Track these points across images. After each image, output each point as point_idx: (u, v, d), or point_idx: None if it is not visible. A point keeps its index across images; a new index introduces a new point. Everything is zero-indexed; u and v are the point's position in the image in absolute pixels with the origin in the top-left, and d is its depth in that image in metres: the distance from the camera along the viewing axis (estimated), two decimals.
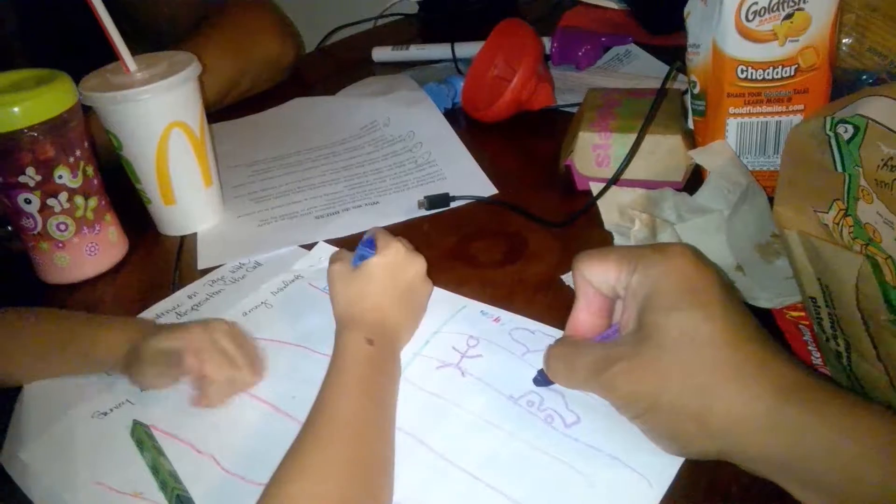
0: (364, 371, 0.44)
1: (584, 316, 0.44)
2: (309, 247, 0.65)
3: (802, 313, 0.50)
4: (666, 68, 0.90)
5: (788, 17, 0.56)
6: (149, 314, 0.59)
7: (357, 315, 0.48)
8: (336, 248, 0.63)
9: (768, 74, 0.58)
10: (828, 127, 0.45)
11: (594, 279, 0.42)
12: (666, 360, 0.36)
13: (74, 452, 0.46)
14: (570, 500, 0.40)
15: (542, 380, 0.46)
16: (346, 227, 0.67)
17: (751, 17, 0.57)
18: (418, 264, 0.52)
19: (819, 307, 0.43)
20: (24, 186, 0.59)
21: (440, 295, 0.56)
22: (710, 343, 0.36)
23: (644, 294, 0.38)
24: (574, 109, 0.80)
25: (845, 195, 0.45)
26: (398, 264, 0.51)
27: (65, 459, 0.46)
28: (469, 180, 0.73)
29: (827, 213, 0.44)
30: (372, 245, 0.52)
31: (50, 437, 0.48)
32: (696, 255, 0.39)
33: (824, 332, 0.44)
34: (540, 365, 0.46)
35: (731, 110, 0.60)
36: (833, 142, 0.45)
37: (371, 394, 0.44)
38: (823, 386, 0.35)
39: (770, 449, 0.34)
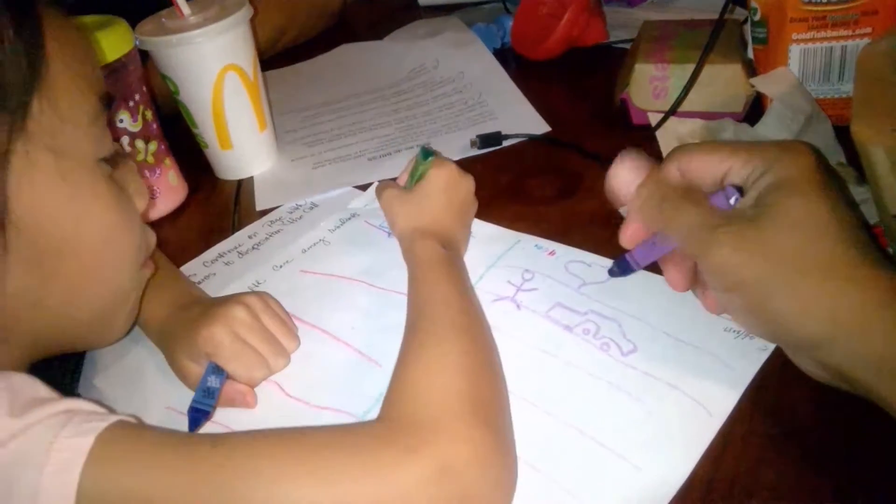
0: (450, 271, 0.46)
1: None
2: (363, 187, 0.65)
3: None
4: (719, 2, 0.87)
5: None
6: (211, 254, 0.61)
7: (424, 227, 0.50)
8: None
9: None
10: None
11: (696, 166, 0.40)
12: (781, 238, 0.35)
13: (144, 381, 0.49)
14: (629, 428, 0.40)
15: (619, 270, 0.46)
16: (400, 167, 0.67)
17: None
18: (469, 182, 0.55)
19: None
20: None
21: (494, 231, 0.56)
22: (834, 236, 0.35)
23: (772, 184, 0.37)
24: (627, 46, 0.78)
25: None
26: (453, 180, 0.53)
27: (136, 387, 0.48)
28: (521, 119, 0.72)
29: None
30: (428, 155, 0.54)
31: (122, 367, 0.50)
32: (822, 155, 0.38)
33: None
34: (597, 297, 0.45)
35: (795, 36, 0.58)
36: None
37: (463, 290, 0.45)
38: None
39: (873, 344, 0.33)
